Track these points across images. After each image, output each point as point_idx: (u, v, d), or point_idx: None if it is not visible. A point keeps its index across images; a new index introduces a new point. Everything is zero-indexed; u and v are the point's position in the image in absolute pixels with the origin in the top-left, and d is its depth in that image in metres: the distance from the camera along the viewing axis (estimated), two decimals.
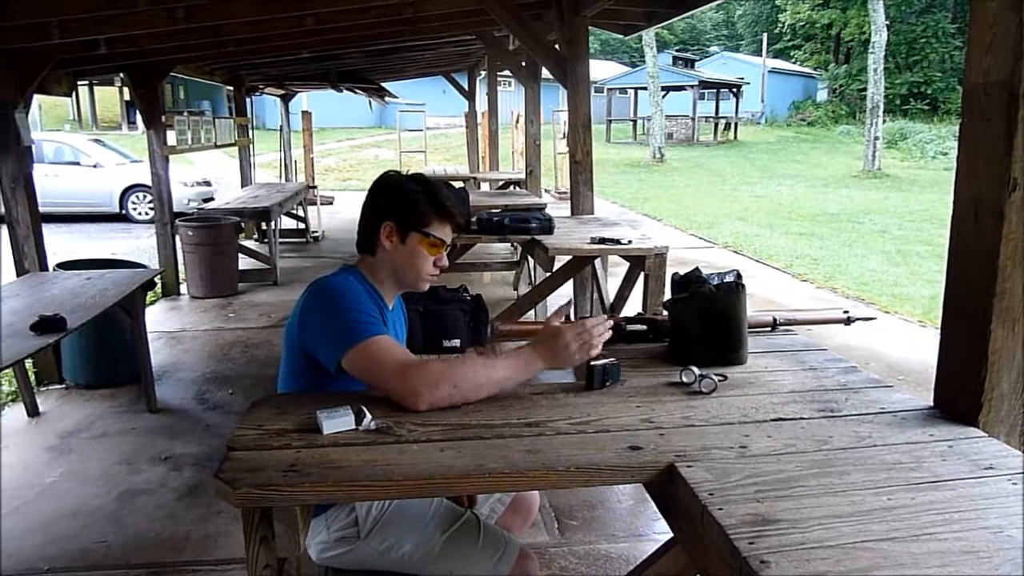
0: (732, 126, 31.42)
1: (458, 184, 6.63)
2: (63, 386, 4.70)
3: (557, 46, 5.22)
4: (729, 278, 1.91)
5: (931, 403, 1.66)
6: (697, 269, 1.95)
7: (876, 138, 21.54)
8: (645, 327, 2.08)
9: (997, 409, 1.53)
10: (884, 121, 22.91)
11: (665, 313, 2.03)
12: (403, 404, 1.57)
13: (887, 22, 23.39)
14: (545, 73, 6.89)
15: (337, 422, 1.46)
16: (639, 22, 5.70)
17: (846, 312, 2.24)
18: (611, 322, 1.77)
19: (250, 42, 5.49)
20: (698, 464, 1.35)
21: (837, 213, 13.79)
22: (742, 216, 13.16)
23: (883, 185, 19.02)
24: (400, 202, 1.83)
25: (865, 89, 29.49)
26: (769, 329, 2.16)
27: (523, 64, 7.51)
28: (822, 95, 39.58)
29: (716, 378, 1.72)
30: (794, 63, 41.37)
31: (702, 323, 1.87)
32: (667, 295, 3.86)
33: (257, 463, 1.34)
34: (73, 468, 3.63)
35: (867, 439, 1.47)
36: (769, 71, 37.59)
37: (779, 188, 18.05)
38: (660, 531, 3.14)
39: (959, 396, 1.58)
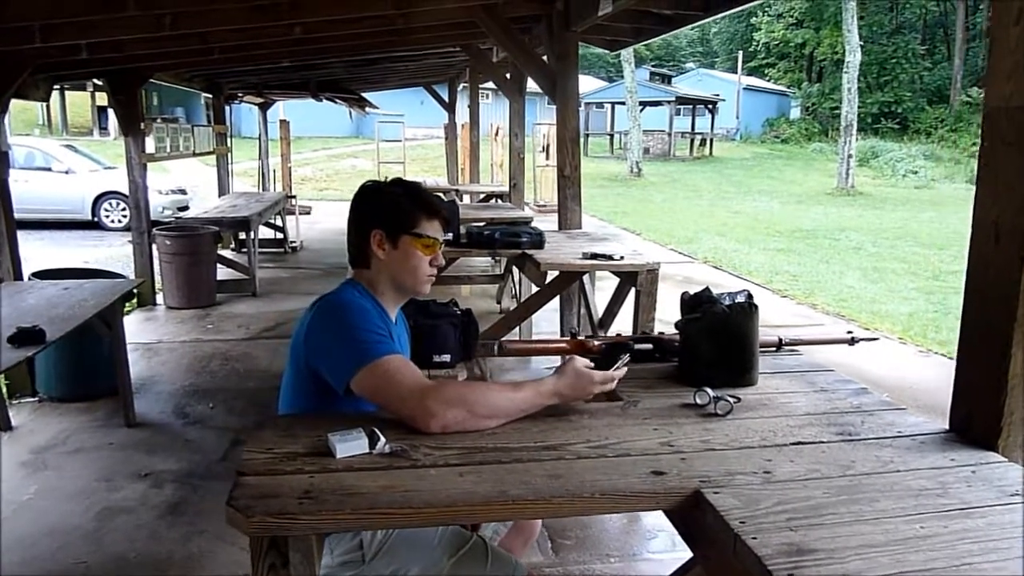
0: (708, 142, 31.73)
1: (442, 196, 6.57)
2: (36, 399, 4.56)
3: (545, 59, 5.21)
4: (740, 298, 1.89)
5: (945, 426, 1.65)
6: (707, 289, 1.93)
7: (850, 156, 21.89)
8: (651, 346, 2.05)
9: (1016, 434, 1.52)
10: (856, 139, 23.27)
11: (667, 333, 2.01)
12: (415, 426, 1.52)
13: (860, 43, 23.80)
14: (530, 86, 6.90)
15: (350, 445, 1.41)
16: (626, 38, 5.72)
17: (850, 332, 2.24)
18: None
19: (235, 50, 5.41)
20: (724, 490, 1.32)
21: (813, 229, 13.95)
22: (720, 231, 13.26)
23: (856, 202, 19.30)
24: (384, 208, 1.80)
25: (837, 107, 30.05)
26: (775, 349, 2.15)
27: (508, 77, 7.50)
28: (795, 113, 40.16)
29: (731, 400, 1.69)
30: (768, 81, 41.96)
31: (714, 343, 1.84)
32: (659, 312, 3.88)
33: (270, 489, 1.28)
34: (49, 485, 3.51)
35: (890, 464, 1.45)
36: (744, 88, 38.07)
37: (755, 204, 18.24)
38: (655, 550, 3.12)
39: (976, 420, 1.57)
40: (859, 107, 23.97)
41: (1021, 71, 1.44)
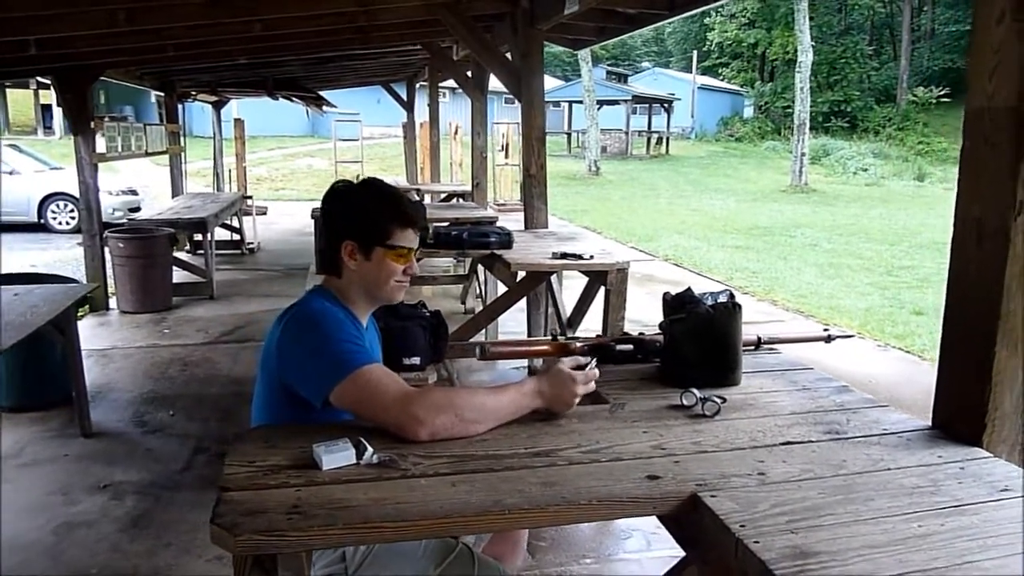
0: (664, 140, 32.07)
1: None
2: None
3: (509, 57, 5.18)
4: (722, 298, 1.88)
5: (928, 423, 1.67)
6: (690, 289, 1.92)
7: (803, 154, 22.32)
8: (633, 347, 2.03)
9: (999, 429, 1.54)
10: (809, 138, 23.75)
11: (647, 333, 2.00)
12: (403, 434, 1.48)
13: (812, 43, 24.29)
14: (494, 84, 6.87)
15: (337, 456, 1.36)
16: (590, 37, 5.72)
17: (826, 330, 2.26)
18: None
19: (190, 47, 5.27)
20: (721, 493, 1.31)
21: (769, 227, 14.18)
22: (679, 229, 13.40)
23: (810, 200, 19.69)
24: (357, 218, 1.74)
25: (789, 106, 30.64)
26: (754, 348, 2.15)
27: (469, 75, 7.46)
28: (748, 112, 40.82)
29: (718, 400, 1.69)
30: (722, 80, 42.58)
31: (698, 344, 1.83)
32: (630, 311, 3.89)
33: (255, 505, 1.23)
34: (3, 499, 3.36)
35: (880, 462, 1.46)
36: (698, 87, 38.59)
37: (712, 202, 18.48)
38: (630, 550, 3.12)
39: (960, 416, 1.58)
40: (811, 106, 24.46)
41: (1003, 70, 1.45)
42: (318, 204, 1.92)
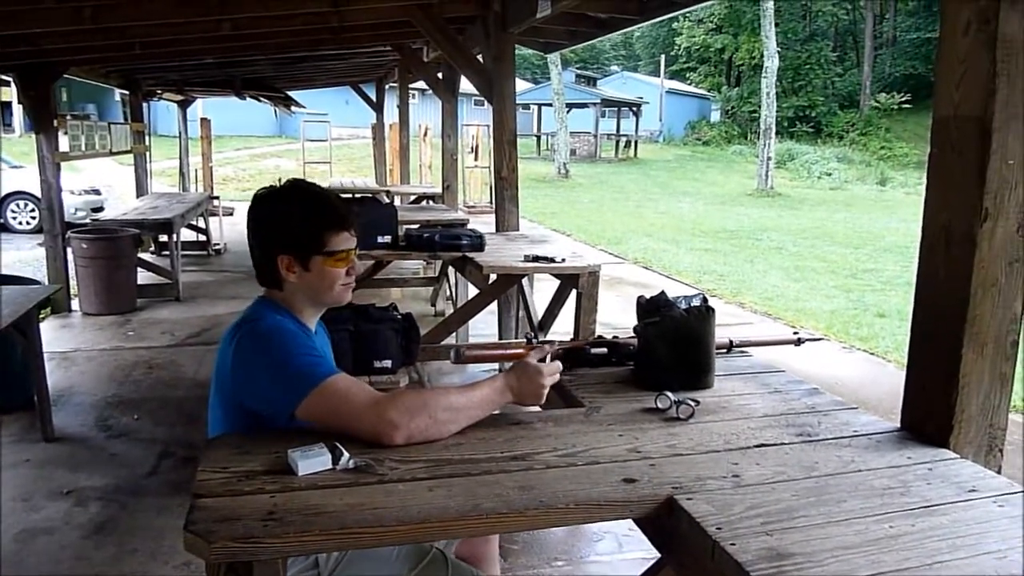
0: (632, 144, 32.30)
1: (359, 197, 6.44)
2: None
3: (481, 60, 5.18)
4: (696, 302, 1.90)
5: (896, 424, 1.70)
6: (663, 292, 1.94)
7: (769, 158, 22.63)
8: (607, 350, 2.04)
9: (966, 431, 1.57)
10: (774, 142, 24.08)
11: (620, 336, 2.01)
12: (378, 441, 1.46)
13: (778, 49, 24.65)
14: (464, 86, 6.86)
15: (313, 462, 1.35)
16: (561, 40, 5.75)
17: (796, 333, 2.29)
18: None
19: (157, 45, 5.19)
20: (697, 496, 1.32)
21: (736, 230, 14.35)
22: (648, 232, 13.50)
23: (776, 203, 19.97)
24: (286, 231, 1.66)
25: (756, 111, 31.03)
26: (726, 351, 2.17)
27: (440, 77, 7.44)
28: (715, 116, 41.30)
29: (692, 403, 1.70)
30: (689, 84, 43.00)
31: (672, 347, 1.85)
32: (600, 314, 3.90)
33: (230, 511, 1.21)
34: None
35: (851, 464, 1.48)
36: (666, 91, 38.92)
37: (680, 205, 18.65)
38: (601, 552, 3.13)
39: (928, 418, 1.62)
40: (776, 111, 24.81)
41: (968, 80, 1.48)
42: None
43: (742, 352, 2.23)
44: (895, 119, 34.48)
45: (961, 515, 1.28)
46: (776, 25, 26.54)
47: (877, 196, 22.86)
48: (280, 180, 1.77)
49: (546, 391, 1.65)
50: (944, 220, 1.55)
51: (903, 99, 34.03)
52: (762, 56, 25.36)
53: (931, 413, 1.61)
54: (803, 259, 11.20)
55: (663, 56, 40.85)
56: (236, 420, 1.63)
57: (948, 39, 1.52)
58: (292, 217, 1.66)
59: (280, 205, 1.69)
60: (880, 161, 29.90)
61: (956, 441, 1.57)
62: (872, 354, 6.23)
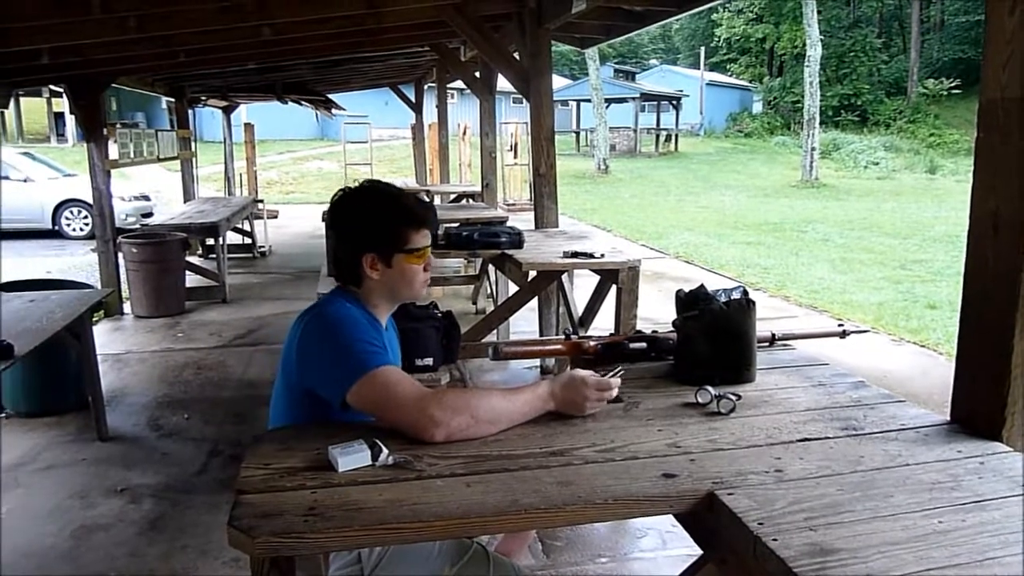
0: (673, 138, 31.97)
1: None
2: (3, 415, 4.41)
3: (517, 57, 5.18)
4: (736, 295, 1.87)
5: (946, 418, 1.65)
6: (703, 286, 1.91)
7: (813, 149, 22.21)
8: (646, 345, 2.02)
9: (1019, 423, 1.52)
10: (819, 132, 23.62)
11: (660, 331, 1.99)
12: (418, 436, 1.48)
13: (820, 37, 24.16)
14: (502, 85, 6.87)
15: (352, 458, 1.36)
16: (598, 35, 5.71)
17: (841, 325, 2.24)
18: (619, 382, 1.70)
19: (200, 52, 5.30)
20: (738, 491, 1.30)
21: (780, 222, 14.11)
22: (689, 226, 13.35)
23: (821, 194, 19.59)
24: (373, 230, 1.73)
25: (798, 101, 30.51)
26: (768, 344, 2.14)
27: (477, 75, 7.46)
28: (757, 107, 40.67)
29: (733, 397, 1.68)
30: (730, 76, 42.42)
31: (712, 341, 1.82)
32: (641, 309, 3.87)
33: (272, 507, 1.23)
34: (21, 504, 3.39)
35: (898, 458, 1.44)
36: (706, 84, 38.45)
37: (722, 198, 18.41)
38: (645, 549, 3.11)
39: (980, 411, 1.57)
40: (820, 100, 24.33)
41: (1016, 61, 1.44)
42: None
43: (785, 345, 2.19)
44: (944, 105, 33.55)
45: (1014, 510, 1.24)
46: (819, 13, 25.99)
47: (926, 185, 22.27)
48: (356, 183, 1.84)
49: (590, 405, 1.62)
50: (992, 206, 1.50)
51: (952, 84, 33.11)
52: (804, 45, 24.85)
53: (982, 405, 1.56)
54: (850, 251, 10.97)
55: (703, 48, 40.36)
56: (298, 405, 1.67)
57: (994, 19, 1.47)
58: (375, 217, 1.73)
59: (362, 206, 1.76)
60: (929, 149, 29.13)
61: (1008, 434, 1.52)
62: (923, 346, 6.08)
